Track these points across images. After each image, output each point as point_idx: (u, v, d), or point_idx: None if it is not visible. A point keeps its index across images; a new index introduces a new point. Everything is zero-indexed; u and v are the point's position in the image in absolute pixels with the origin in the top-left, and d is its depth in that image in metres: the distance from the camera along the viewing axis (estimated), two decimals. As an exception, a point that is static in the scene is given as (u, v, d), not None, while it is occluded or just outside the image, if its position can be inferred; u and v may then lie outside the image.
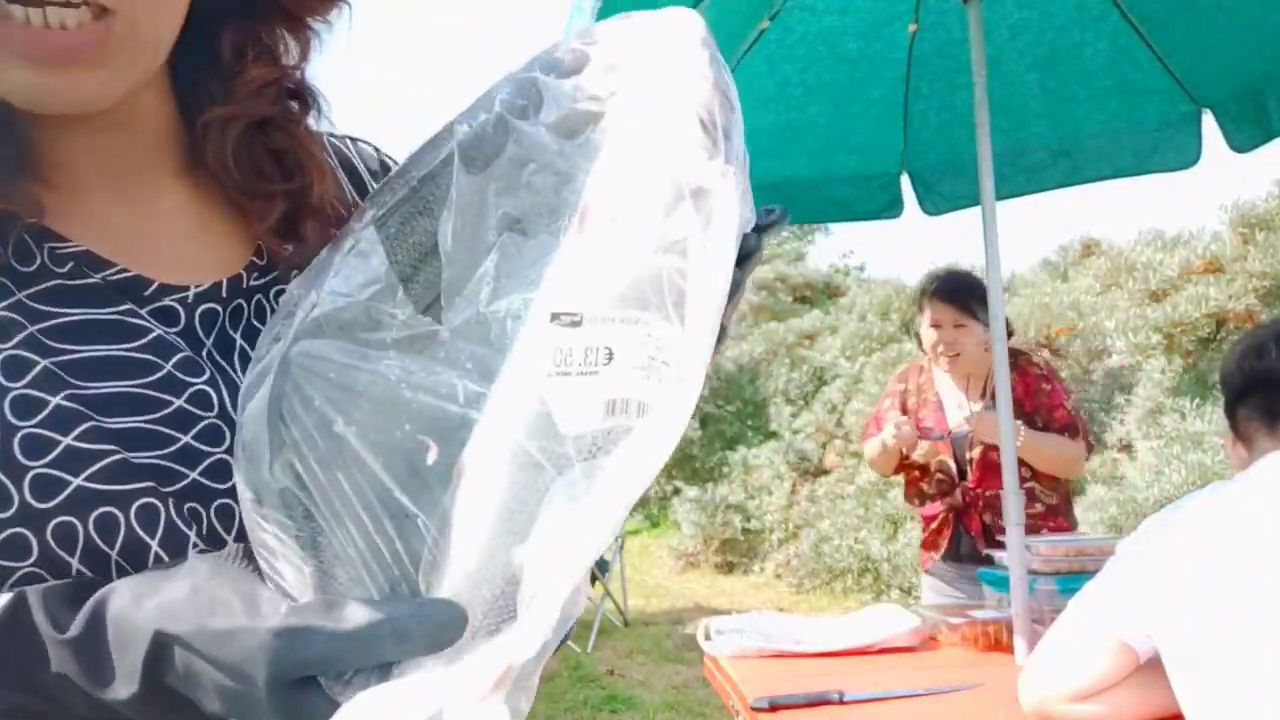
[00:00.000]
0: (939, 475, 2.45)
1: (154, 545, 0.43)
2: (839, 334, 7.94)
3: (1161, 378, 4.25)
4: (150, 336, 0.46)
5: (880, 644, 1.81)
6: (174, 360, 0.46)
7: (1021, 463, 2.31)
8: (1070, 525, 2.47)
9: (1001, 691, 1.47)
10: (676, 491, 7.94)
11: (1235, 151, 2.40)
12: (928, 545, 2.51)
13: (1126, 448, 4.25)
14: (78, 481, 0.41)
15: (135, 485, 0.42)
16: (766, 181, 2.75)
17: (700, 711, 3.80)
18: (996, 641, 1.82)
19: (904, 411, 2.56)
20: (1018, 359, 2.42)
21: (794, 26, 2.33)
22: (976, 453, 2.38)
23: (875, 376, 6.34)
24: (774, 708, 1.46)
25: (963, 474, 2.42)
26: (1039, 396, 2.37)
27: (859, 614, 1.97)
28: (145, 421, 0.44)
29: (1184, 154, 2.50)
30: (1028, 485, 2.36)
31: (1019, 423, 2.23)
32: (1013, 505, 1.73)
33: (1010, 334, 2.49)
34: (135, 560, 0.42)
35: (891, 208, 2.83)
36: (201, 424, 0.46)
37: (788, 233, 19.23)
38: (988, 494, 2.36)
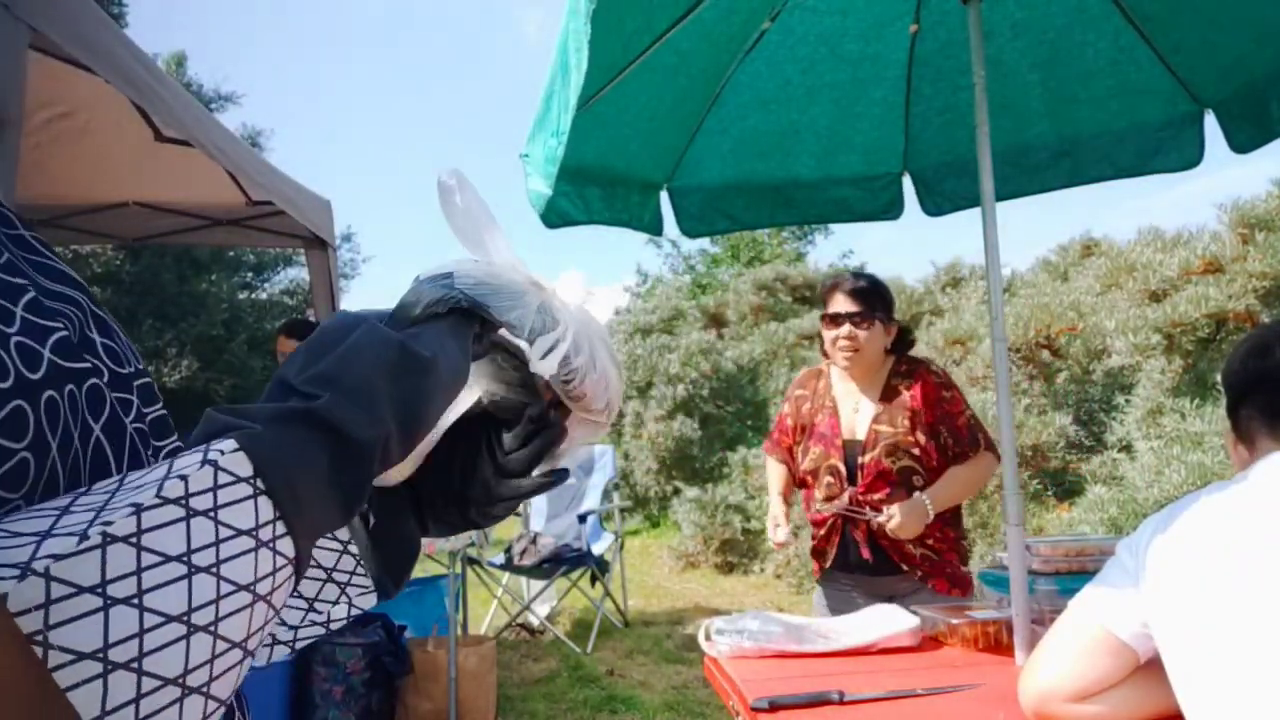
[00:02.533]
0: (828, 479, 2.41)
1: (97, 429, 0.43)
2: (839, 334, 7.93)
3: (1161, 378, 4.24)
4: None
5: (880, 644, 1.81)
6: None
7: (913, 471, 2.32)
8: (957, 533, 2.41)
9: (1001, 691, 1.48)
10: (676, 491, 7.94)
11: (1236, 151, 2.40)
12: (816, 553, 2.48)
13: (1126, 448, 4.24)
14: (46, 354, 0.40)
15: (82, 365, 0.42)
16: (768, 182, 2.75)
17: (700, 711, 3.80)
18: (996, 641, 1.82)
19: (796, 417, 2.54)
20: (916, 368, 2.41)
21: (795, 27, 2.33)
22: (868, 459, 2.34)
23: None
24: (774, 708, 1.46)
25: (852, 479, 2.38)
26: (940, 405, 2.35)
27: (859, 614, 1.97)
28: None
29: (1186, 154, 2.49)
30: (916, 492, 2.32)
31: (923, 498, 2.25)
32: (1012, 505, 1.73)
33: (911, 343, 2.49)
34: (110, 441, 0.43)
35: (892, 208, 2.82)
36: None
37: (788, 233, 19.24)
38: (875, 499, 2.33)
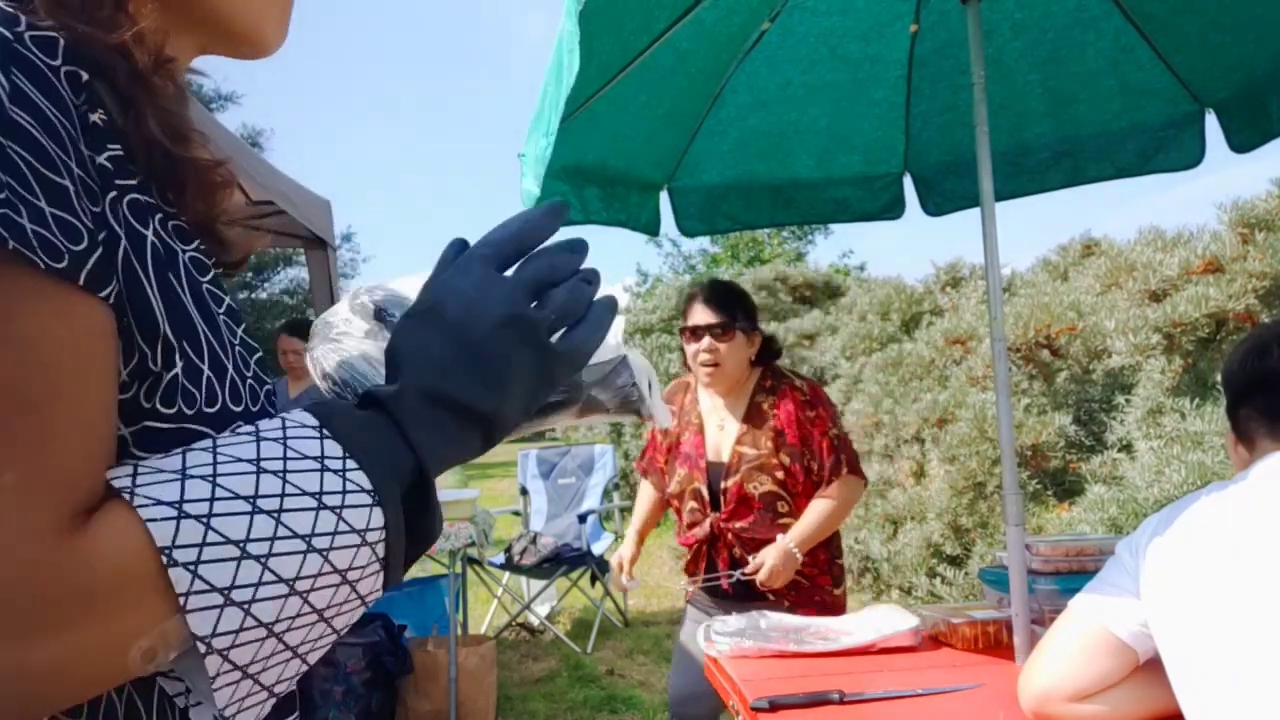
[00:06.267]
0: (692, 504, 2.34)
1: None
2: (839, 334, 7.93)
3: (1161, 378, 4.23)
4: None
5: (880, 644, 1.81)
6: None
7: (778, 496, 2.23)
8: (830, 554, 2.30)
9: (1001, 691, 1.48)
10: (676, 491, 7.93)
11: (1235, 151, 2.40)
12: (689, 574, 2.40)
13: (1126, 448, 4.23)
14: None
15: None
16: (768, 182, 2.75)
17: (700, 711, 3.80)
18: (996, 641, 1.82)
19: (665, 434, 2.47)
20: (781, 384, 2.31)
21: (795, 27, 2.33)
22: (731, 483, 2.26)
23: (875, 377, 6.33)
24: (774, 708, 1.46)
25: (716, 504, 2.31)
26: (804, 425, 2.26)
27: (859, 614, 1.97)
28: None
29: (1187, 154, 2.49)
30: (783, 520, 2.23)
31: (790, 545, 2.17)
32: (1012, 505, 1.73)
33: (777, 353, 2.39)
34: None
35: (893, 208, 2.82)
36: None
37: (788, 233, 19.26)
38: (738, 527, 2.26)
